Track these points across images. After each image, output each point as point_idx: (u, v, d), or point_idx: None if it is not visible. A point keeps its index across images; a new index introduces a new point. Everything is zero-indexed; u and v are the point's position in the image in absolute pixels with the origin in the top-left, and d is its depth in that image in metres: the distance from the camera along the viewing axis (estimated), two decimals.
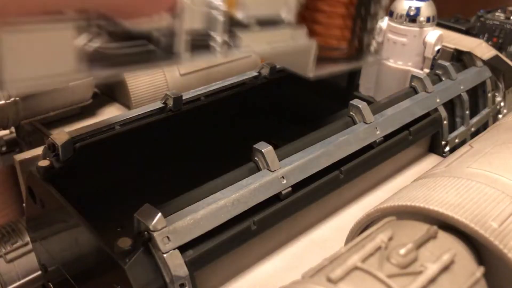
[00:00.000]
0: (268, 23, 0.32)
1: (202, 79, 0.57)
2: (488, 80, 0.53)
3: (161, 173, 0.41)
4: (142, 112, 0.40)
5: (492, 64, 0.54)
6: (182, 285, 0.27)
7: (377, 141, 0.40)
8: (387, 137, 0.41)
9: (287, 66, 0.38)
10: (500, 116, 0.56)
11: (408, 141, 0.43)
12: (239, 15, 0.29)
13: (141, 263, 0.27)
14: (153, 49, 0.26)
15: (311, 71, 0.37)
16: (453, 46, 0.55)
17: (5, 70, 0.21)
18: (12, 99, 0.43)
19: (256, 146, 0.33)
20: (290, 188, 0.33)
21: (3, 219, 0.59)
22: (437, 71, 0.49)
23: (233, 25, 0.29)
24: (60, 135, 0.35)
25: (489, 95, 0.53)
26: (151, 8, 0.20)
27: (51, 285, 0.40)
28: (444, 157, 0.47)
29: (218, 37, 0.28)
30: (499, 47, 0.68)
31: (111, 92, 0.56)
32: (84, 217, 0.30)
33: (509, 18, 0.69)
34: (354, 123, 0.40)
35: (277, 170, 0.33)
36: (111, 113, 0.53)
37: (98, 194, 0.36)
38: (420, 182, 0.29)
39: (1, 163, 0.53)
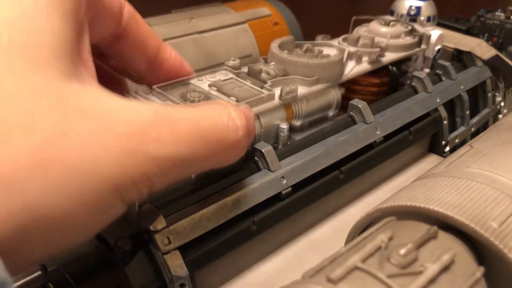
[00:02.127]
0: (317, 121, 0.40)
1: None
2: (488, 80, 0.53)
3: None
4: None
5: (492, 64, 0.54)
6: (182, 285, 0.27)
7: (377, 141, 0.40)
8: (387, 137, 0.41)
9: None
10: (500, 116, 0.56)
11: (408, 141, 0.43)
12: (297, 123, 0.38)
13: (141, 264, 0.27)
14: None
15: None
16: (453, 46, 0.54)
17: None
18: None
19: (256, 146, 0.33)
20: (290, 188, 0.33)
21: None
22: (437, 71, 0.49)
23: (291, 131, 0.37)
24: None
25: (489, 95, 0.53)
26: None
27: (51, 285, 0.40)
28: (444, 157, 0.47)
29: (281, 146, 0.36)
30: (499, 47, 0.68)
31: None
32: None
33: (509, 18, 0.69)
34: (354, 123, 0.40)
35: (277, 170, 0.33)
36: None
37: None
38: (420, 182, 0.29)
39: None
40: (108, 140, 0.19)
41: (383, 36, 0.46)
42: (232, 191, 0.31)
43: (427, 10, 0.50)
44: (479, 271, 0.22)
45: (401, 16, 0.50)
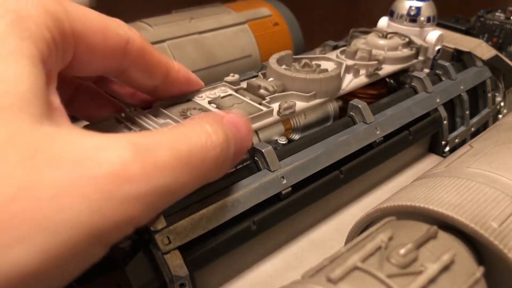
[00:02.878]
0: None
1: (202, 79, 0.57)
2: (488, 80, 0.53)
3: None
4: None
5: (492, 64, 0.54)
6: (182, 285, 0.28)
7: (377, 141, 0.40)
8: (387, 137, 0.41)
9: None
10: (500, 116, 0.56)
11: (408, 141, 0.43)
12: (295, 137, 0.39)
13: (141, 263, 0.27)
14: None
15: None
16: (453, 46, 0.55)
17: None
18: None
19: (256, 146, 0.33)
20: (290, 188, 0.33)
21: None
22: (437, 71, 0.49)
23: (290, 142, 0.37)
24: None
25: (489, 95, 0.53)
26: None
27: None
28: (444, 157, 0.47)
29: None
30: (499, 47, 0.68)
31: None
32: None
33: (509, 18, 0.69)
34: (354, 123, 0.40)
35: (277, 170, 0.33)
36: None
37: None
38: (420, 182, 0.29)
39: None
40: (85, 185, 0.18)
41: (380, 49, 0.47)
42: (232, 191, 0.31)
43: (427, 10, 0.50)
44: (479, 271, 0.22)
45: (401, 16, 0.50)
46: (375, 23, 0.53)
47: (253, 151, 0.34)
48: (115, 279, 0.28)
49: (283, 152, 0.35)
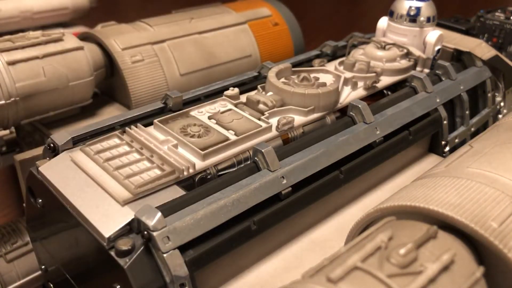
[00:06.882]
0: None
1: (202, 79, 0.57)
2: (488, 80, 0.53)
3: None
4: (142, 112, 0.40)
5: (492, 64, 0.54)
6: (182, 285, 0.27)
7: (377, 141, 0.40)
8: (387, 137, 0.41)
9: None
10: (500, 116, 0.56)
11: (408, 141, 0.43)
12: None
13: (141, 263, 0.27)
14: None
15: None
16: (453, 46, 0.55)
17: None
18: (12, 99, 0.43)
19: (256, 146, 0.33)
20: (290, 188, 0.33)
21: (3, 219, 0.59)
22: (437, 71, 0.49)
23: None
24: (60, 135, 0.35)
25: (489, 95, 0.53)
26: None
27: (51, 285, 0.40)
28: (444, 157, 0.47)
29: None
30: (499, 47, 0.68)
31: (111, 92, 0.56)
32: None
33: (509, 18, 0.69)
34: (354, 123, 0.40)
35: (277, 170, 0.33)
36: (111, 113, 0.53)
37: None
38: (420, 182, 0.29)
39: (1, 163, 0.53)
40: None
41: (378, 60, 0.47)
42: (232, 191, 0.31)
43: (427, 10, 0.50)
44: (479, 271, 0.22)
45: (401, 16, 0.50)
46: (375, 23, 0.53)
47: (254, 151, 0.34)
48: (115, 279, 0.28)
49: (283, 152, 0.35)
